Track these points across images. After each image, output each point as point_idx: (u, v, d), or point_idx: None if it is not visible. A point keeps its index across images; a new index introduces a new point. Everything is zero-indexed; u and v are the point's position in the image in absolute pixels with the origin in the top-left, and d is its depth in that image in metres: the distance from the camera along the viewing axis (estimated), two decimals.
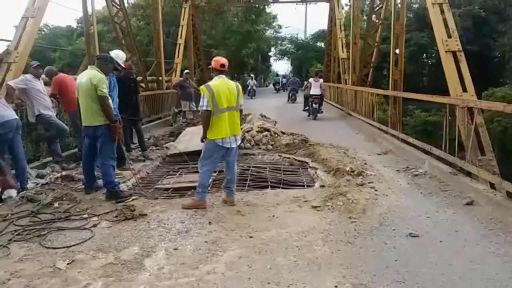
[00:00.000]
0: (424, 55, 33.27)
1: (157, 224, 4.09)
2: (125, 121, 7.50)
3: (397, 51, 10.38)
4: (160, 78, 14.44)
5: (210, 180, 5.85)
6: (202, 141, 4.63)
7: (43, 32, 41.20)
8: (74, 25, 39.21)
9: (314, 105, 13.72)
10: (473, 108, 5.54)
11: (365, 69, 14.89)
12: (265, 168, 6.92)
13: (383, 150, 8.01)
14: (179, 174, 6.64)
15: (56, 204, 4.67)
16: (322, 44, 42.65)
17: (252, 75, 29.81)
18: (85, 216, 4.34)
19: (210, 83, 4.55)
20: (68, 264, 3.20)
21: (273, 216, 4.29)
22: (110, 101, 4.98)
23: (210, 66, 4.71)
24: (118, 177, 6.00)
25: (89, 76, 4.82)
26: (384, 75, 24.93)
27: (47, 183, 5.56)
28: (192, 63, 19.14)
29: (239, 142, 4.80)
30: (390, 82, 9.38)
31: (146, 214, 4.33)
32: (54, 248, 3.52)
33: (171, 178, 6.51)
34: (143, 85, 12.45)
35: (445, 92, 6.82)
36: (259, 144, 8.27)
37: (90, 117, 4.88)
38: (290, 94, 22.26)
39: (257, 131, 8.68)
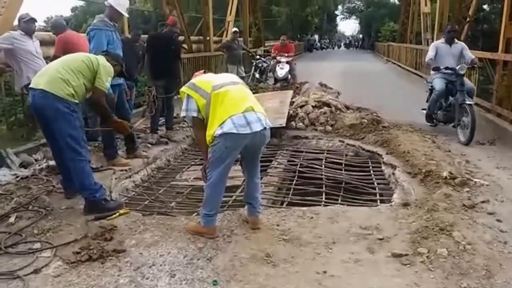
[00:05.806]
0: None
1: (130, 276, 2.50)
2: (158, 90, 6.02)
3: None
4: (208, 38, 12.73)
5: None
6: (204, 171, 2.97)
7: None
8: None
9: None
10: None
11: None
12: (320, 160, 5.13)
13: (488, 139, 5.71)
14: None
15: (12, 219, 3.28)
16: (396, 0, 38.49)
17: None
18: (37, 245, 2.88)
19: None
20: None
21: (325, 272, 2.51)
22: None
23: None
24: (123, 169, 4.60)
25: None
26: (468, 35, 21.09)
27: (27, 176, 4.23)
28: (247, 21, 17.14)
29: (267, 123, 2.87)
30: (500, 41, 6.82)
31: (124, 250, 2.78)
32: None
33: (195, 169, 4.94)
34: (185, 46, 10.85)
35: None
36: (315, 123, 6.36)
37: (52, 82, 3.31)
38: None
39: (313, 106, 6.74)
